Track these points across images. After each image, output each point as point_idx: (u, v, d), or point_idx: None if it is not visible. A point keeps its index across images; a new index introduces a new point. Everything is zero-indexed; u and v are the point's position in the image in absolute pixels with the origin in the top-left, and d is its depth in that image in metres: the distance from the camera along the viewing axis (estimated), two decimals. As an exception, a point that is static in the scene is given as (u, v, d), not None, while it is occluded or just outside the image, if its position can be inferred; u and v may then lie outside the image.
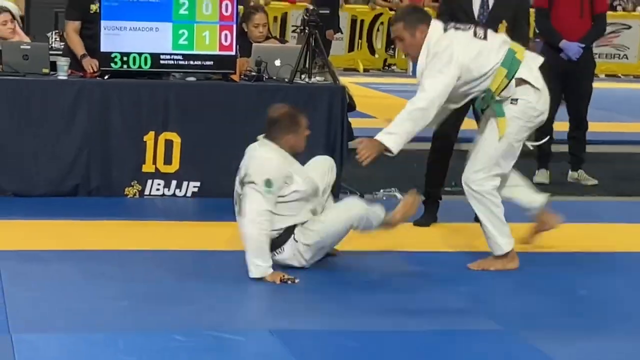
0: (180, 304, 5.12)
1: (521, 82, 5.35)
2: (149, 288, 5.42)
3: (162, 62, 7.56)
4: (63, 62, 7.46)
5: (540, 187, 7.04)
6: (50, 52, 7.85)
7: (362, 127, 8.83)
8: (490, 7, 6.52)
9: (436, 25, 5.54)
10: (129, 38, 7.51)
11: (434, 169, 6.68)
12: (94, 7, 7.64)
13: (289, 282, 5.19)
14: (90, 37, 7.73)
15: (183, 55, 7.58)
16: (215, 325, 4.74)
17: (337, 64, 14.89)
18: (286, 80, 7.75)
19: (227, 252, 6.08)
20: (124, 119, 7.51)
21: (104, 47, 7.40)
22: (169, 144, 7.46)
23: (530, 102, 5.39)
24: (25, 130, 7.40)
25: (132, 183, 7.43)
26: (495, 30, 5.90)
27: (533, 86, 5.37)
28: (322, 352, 4.61)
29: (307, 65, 7.97)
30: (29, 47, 7.66)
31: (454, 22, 5.74)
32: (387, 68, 18.91)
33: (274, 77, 7.84)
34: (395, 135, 5.26)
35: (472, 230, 6.30)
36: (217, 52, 7.68)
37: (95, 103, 7.47)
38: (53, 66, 7.46)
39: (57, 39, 8.83)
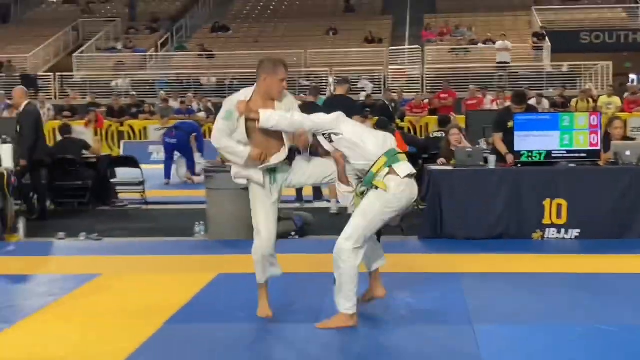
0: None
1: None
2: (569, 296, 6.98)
3: (552, 155, 9.80)
4: (491, 158, 9.91)
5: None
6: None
7: None
8: None
9: None
10: (532, 141, 9.85)
11: None
12: (510, 124, 10.09)
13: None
14: (510, 141, 9.97)
15: (566, 150, 9.79)
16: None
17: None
18: (633, 163, 9.74)
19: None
20: (530, 192, 9.70)
21: (517, 147, 9.87)
22: (559, 206, 9.60)
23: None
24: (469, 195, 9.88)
25: (536, 230, 9.65)
26: None
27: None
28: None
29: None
30: (471, 150, 10.25)
31: None
32: None
33: (623, 161, 9.79)
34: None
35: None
36: (588, 148, 9.81)
37: (512, 182, 9.76)
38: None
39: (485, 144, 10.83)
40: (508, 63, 29.13)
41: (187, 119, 21.40)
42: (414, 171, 6.11)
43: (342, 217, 11.34)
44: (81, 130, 19.13)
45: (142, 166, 14.16)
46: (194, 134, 17.22)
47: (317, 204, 12.57)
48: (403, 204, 6.07)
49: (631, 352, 5.51)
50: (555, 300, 7.00)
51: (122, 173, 13.91)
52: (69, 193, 12.84)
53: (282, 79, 6.06)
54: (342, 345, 5.86)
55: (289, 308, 6.87)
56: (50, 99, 27.81)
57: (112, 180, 13.58)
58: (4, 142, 12.03)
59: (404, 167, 5.99)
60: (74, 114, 23.50)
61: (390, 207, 5.98)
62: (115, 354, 5.59)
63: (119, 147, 22.31)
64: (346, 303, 5.89)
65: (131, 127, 23.70)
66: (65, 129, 14.36)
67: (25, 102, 12.41)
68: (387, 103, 21.92)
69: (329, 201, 12.33)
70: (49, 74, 31.39)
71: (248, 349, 5.86)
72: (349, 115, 11.78)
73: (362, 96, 24.16)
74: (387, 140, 6.17)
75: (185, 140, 17.01)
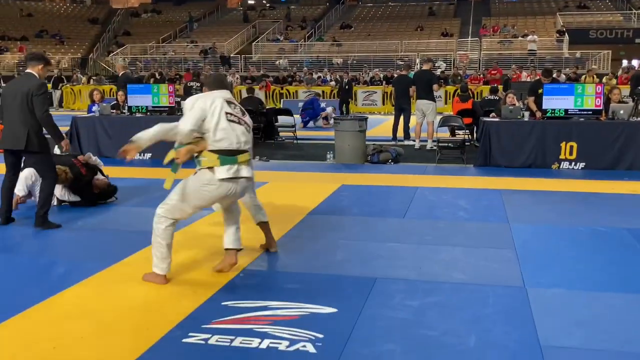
0: None
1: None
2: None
3: (569, 112, 9.43)
4: (526, 114, 9.74)
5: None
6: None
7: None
8: None
9: None
10: (555, 102, 9.50)
11: None
12: (540, 91, 9.68)
13: None
14: (539, 103, 9.60)
15: (579, 109, 9.45)
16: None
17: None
18: (625, 119, 9.29)
19: None
20: (552, 136, 9.40)
21: (544, 106, 9.48)
22: (571, 146, 9.33)
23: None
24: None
25: (555, 162, 9.39)
26: None
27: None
28: None
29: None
30: (513, 107, 9.86)
31: None
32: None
33: (618, 118, 9.39)
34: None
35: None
36: (594, 108, 9.41)
37: (539, 130, 9.36)
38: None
39: (521, 104, 10.83)
40: (535, 50, 28.71)
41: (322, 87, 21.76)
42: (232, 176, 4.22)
43: (422, 151, 11.34)
44: (257, 92, 19.34)
45: (295, 115, 14.25)
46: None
47: (406, 142, 12.42)
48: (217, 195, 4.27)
49: (620, 245, 5.37)
50: (567, 209, 6.80)
51: (282, 119, 14.06)
52: (248, 131, 13.02)
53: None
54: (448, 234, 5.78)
55: (385, 206, 6.91)
56: (238, 71, 28.37)
57: (275, 124, 13.71)
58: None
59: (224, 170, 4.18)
60: (252, 82, 23.84)
61: (207, 190, 4.21)
62: (279, 230, 5.41)
63: (280, 103, 22.54)
64: (160, 263, 4.26)
65: (288, 90, 23.96)
66: (249, 91, 14.64)
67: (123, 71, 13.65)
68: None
69: (414, 140, 12.22)
70: (237, 55, 32.13)
71: (363, 230, 5.84)
72: (432, 83, 11.78)
73: (438, 71, 23.82)
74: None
75: (313, 101, 17.23)
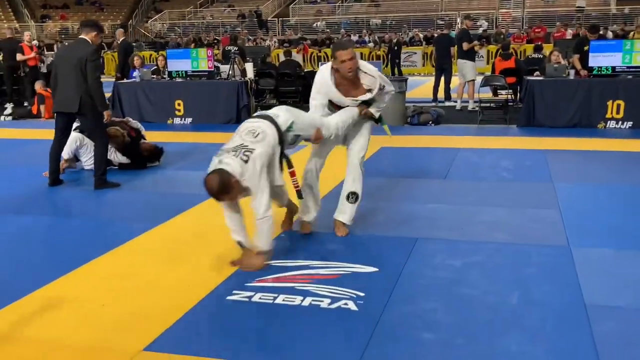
0: None
1: None
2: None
3: (616, 70, 9.21)
4: (571, 72, 9.45)
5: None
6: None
7: None
8: None
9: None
10: (602, 59, 9.22)
11: None
12: (586, 48, 9.38)
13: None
14: (585, 60, 9.28)
15: (627, 66, 9.19)
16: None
17: None
18: None
19: None
20: (598, 95, 9.11)
21: (590, 64, 9.21)
22: (618, 105, 9.10)
23: None
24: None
25: (601, 122, 9.16)
26: None
27: None
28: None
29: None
30: (557, 65, 9.61)
31: None
32: None
33: None
34: None
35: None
36: None
37: (585, 88, 9.13)
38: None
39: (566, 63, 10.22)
40: (584, 7, 27.38)
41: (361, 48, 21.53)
42: None
43: (463, 112, 11.17)
44: (294, 55, 19.21)
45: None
46: None
47: (447, 103, 12.24)
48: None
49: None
50: (613, 169, 6.64)
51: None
52: (287, 94, 13.04)
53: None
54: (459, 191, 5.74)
55: (425, 168, 6.86)
56: (276, 35, 28.21)
57: (314, 87, 13.63)
58: (247, 61, 12.33)
59: None
60: (290, 45, 23.70)
61: None
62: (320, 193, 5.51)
63: (318, 65, 22.39)
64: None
65: (326, 53, 23.74)
66: (287, 54, 14.55)
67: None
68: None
69: (455, 101, 12.04)
70: (275, 19, 31.87)
71: (403, 191, 5.78)
72: (465, 40, 11.48)
73: (479, 30, 23.21)
74: None
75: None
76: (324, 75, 4.29)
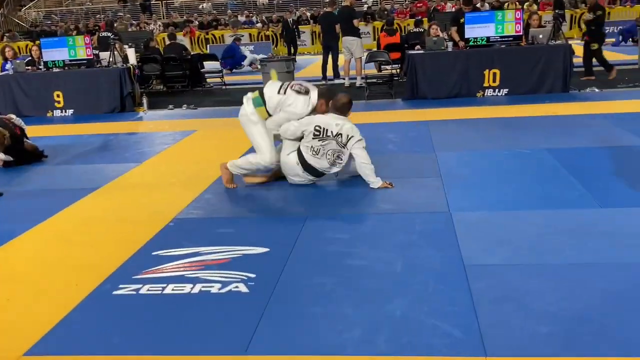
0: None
1: None
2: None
3: (490, 40, 9.64)
4: (449, 44, 9.84)
5: None
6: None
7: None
8: None
9: None
10: (477, 31, 9.66)
11: None
12: (462, 20, 9.78)
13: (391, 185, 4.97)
14: (462, 32, 9.75)
15: (500, 36, 9.64)
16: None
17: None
18: (544, 43, 9.49)
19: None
20: (475, 65, 9.56)
21: (467, 35, 9.63)
22: (494, 74, 9.57)
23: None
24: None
25: (479, 91, 9.63)
26: None
27: None
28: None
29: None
30: (436, 38, 10.13)
31: None
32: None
33: (537, 42, 9.63)
34: None
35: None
36: (514, 34, 9.61)
37: (463, 59, 9.51)
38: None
39: (445, 35, 10.84)
40: None
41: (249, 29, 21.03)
42: None
43: (352, 88, 11.34)
44: (180, 38, 18.69)
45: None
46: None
47: (336, 81, 12.38)
48: None
49: (540, 164, 5.56)
50: (490, 135, 6.97)
51: (208, 65, 13.74)
52: (174, 79, 12.73)
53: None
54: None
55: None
56: (160, 19, 27.36)
57: (201, 70, 13.40)
58: (130, 46, 11.90)
59: None
60: (176, 28, 23.05)
61: None
62: (209, 178, 5.59)
63: (206, 48, 21.93)
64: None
65: (213, 35, 23.33)
66: (171, 37, 14.12)
67: None
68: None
69: (343, 78, 12.19)
70: (158, 2, 30.74)
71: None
72: (355, 17, 11.66)
73: (364, 7, 23.52)
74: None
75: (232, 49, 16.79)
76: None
